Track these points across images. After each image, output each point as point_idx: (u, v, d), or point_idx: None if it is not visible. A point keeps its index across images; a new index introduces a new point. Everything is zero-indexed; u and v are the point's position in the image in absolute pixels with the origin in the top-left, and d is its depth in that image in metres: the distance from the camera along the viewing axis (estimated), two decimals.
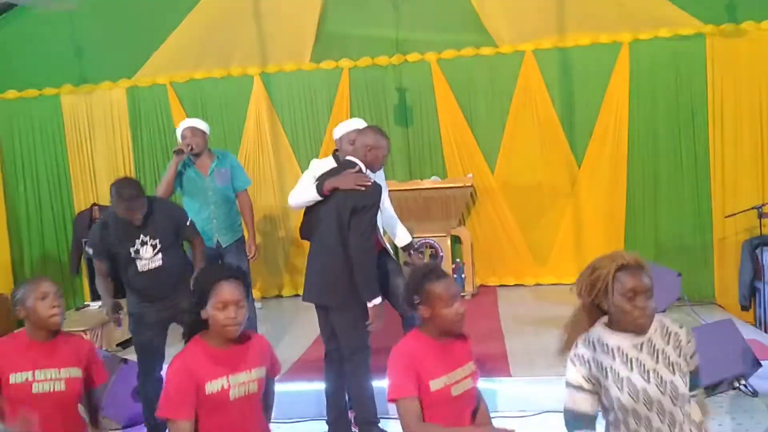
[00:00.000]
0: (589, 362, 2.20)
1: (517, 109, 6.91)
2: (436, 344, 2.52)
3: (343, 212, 3.64)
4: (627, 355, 2.17)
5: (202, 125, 5.08)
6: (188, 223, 4.20)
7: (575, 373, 2.22)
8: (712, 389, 4.05)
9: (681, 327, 2.23)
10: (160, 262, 3.99)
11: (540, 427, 3.91)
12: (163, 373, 2.77)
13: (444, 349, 2.51)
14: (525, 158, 6.92)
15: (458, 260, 6.73)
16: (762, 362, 4.28)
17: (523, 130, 6.91)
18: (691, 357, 2.20)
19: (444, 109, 7.04)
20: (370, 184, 3.67)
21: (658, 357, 2.16)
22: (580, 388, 2.21)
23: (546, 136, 6.87)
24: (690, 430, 2.18)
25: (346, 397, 3.94)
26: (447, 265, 6.55)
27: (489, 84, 6.97)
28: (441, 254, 6.65)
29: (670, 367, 2.15)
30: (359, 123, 4.30)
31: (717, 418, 3.82)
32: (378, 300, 3.68)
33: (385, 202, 4.38)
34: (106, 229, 3.97)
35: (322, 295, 3.82)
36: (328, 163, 4.23)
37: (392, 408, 3.50)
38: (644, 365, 2.16)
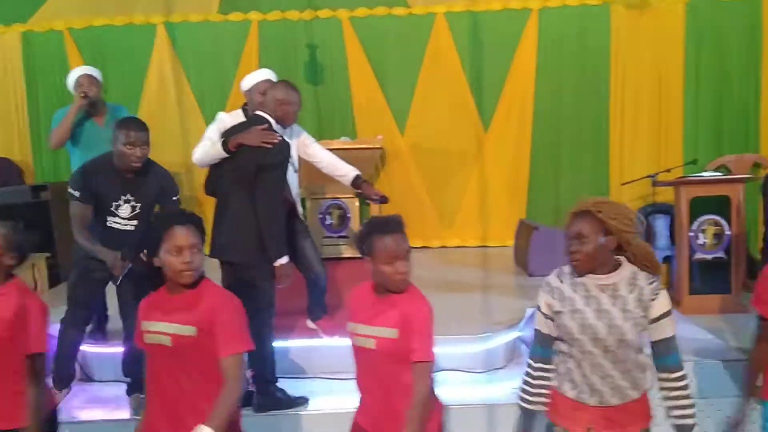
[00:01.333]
0: (554, 290, 2.38)
1: (428, 71, 6.91)
2: (373, 297, 2.50)
3: (249, 169, 3.55)
4: (589, 292, 2.32)
5: (97, 74, 4.81)
6: (175, 198, 3.93)
7: (542, 298, 2.42)
8: None
9: (650, 283, 2.30)
10: (132, 228, 3.78)
11: (438, 384, 3.99)
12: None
13: (376, 303, 2.48)
14: (434, 121, 6.95)
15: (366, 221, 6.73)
16: None
17: (433, 92, 6.93)
18: (652, 317, 2.27)
19: (355, 68, 6.96)
20: (277, 141, 3.59)
21: (616, 302, 2.28)
22: (544, 313, 2.41)
23: (455, 99, 6.92)
24: (631, 371, 2.31)
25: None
26: (354, 227, 6.54)
27: (400, 45, 6.93)
28: (349, 215, 6.64)
29: (624, 314, 2.26)
30: (269, 74, 4.17)
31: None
32: (285, 259, 3.63)
33: (320, 152, 4.38)
34: (93, 174, 3.71)
35: (229, 252, 3.74)
36: (237, 117, 4.10)
37: (293, 367, 3.48)
38: (601, 305, 2.30)
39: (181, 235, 2.37)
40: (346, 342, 2.60)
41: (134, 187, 3.75)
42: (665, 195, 6.37)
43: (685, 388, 2.31)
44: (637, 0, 6.66)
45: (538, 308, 2.43)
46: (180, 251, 2.36)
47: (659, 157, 6.67)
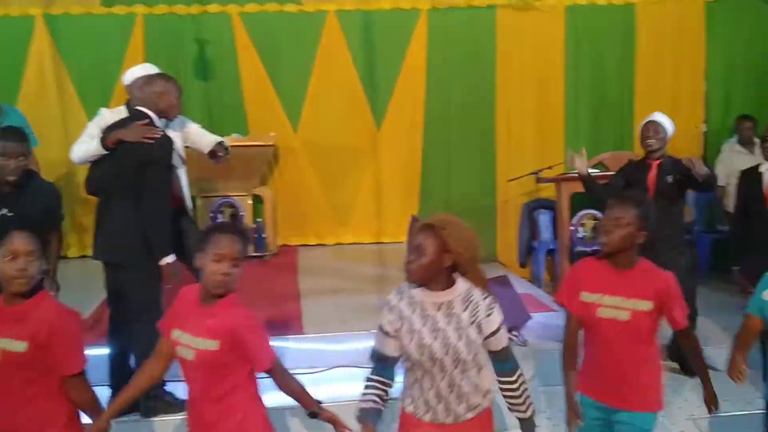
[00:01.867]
0: (393, 310, 2.36)
1: (321, 68, 6.92)
2: (198, 304, 2.39)
3: (130, 166, 3.46)
4: (425, 311, 2.33)
5: None
6: (60, 212, 3.71)
7: (384, 317, 2.38)
8: None
9: (485, 299, 2.32)
10: None
11: (330, 381, 4.04)
12: None
13: (203, 311, 2.37)
14: (328, 118, 6.97)
15: (259, 220, 6.67)
16: (532, 315, 4.72)
17: (326, 90, 6.94)
18: (489, 332, 2.30)
19: (246, 64, 6.87)
20: (158, 136, 3.51)
21: (451, 320, 2.30)
22: (385, 332, 2.37)
23: (348, 97, 6.96)
24: (467, 394, 2.36)
25: (132, 362, 3.78)
26: (248, 224, 6.47)
27: (292, 41, 6.90)
28: (242, 213, 6.56)
29: (458, 333, 2.28)
30: (150, 68, 4.05)
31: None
32: (171, 258, 3.56)
33: (195, 134, 4.23)
34: None
35: (112, 252, 3.63)
36: (119, 113, 3.96)
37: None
38: (437, 324, 2.31)
39: (17, 241, 2.30)
40: None
41: (11, 201, 3.45)
42: (549, 191, 6.68)
43: (519, 388, 2.41)
44: (521, 2, 6.91)
45: (380, 327, 2.40)
46: (14, 258, 2.28)
47: (543, 154, 6.95)
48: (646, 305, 2.55)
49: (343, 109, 6.98)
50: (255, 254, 6.28)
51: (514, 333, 4.50)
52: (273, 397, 2.53)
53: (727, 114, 7.13)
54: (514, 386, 2.40)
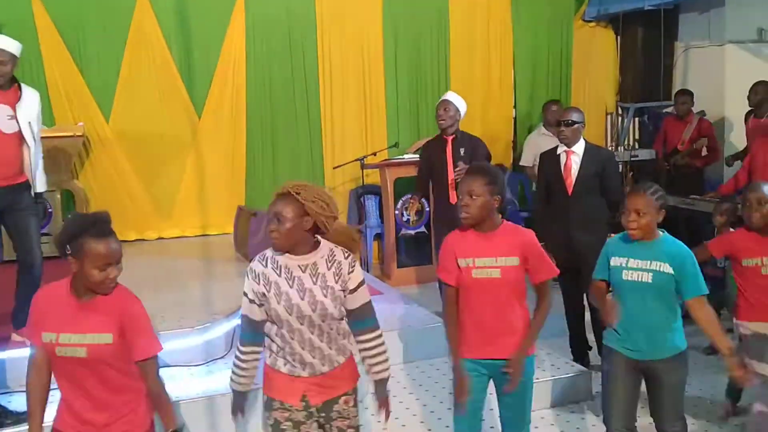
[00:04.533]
0: (259, 276, 2.44)
1: (132, 55, 6.54)
2: (75, 302, 2.33)
3: None
4: (291, 273, 2.42)
5: None
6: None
7: (248, 284, 2.46)
8: None
9: (347, 257, 2.47)
10: None
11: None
12: None
13: (84, 305, 2.33)
14: (143, 106, 6.60)
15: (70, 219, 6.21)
16: None
17: (139, 77, 6.57)
18: (351, 288, 2.44)
19: (49, 50, 6.34)
20: None
21: (317, 279, 2.42)
22: (250, 299, 2.46)
23: (164, 84, 6.65)
24: (338, 339, 2.48)
25: None
26: (56, 223, 5.99)
27: (100, 24, 6.45)
28: (50, 210, 6.05)
29: (325, 290, 2.41)
30: None
31: None
32: None
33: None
34: None
35: None
36: None
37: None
38: (303, 284, 2.41)
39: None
40: None
41: None
42: (374, 177, 6.80)
43: (381, 345, 2.55)
44: None
45: (245, 294, 2.47)
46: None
47: (367, 141, 7.07)
48: (513, 261, 2.72)
49: (159, 97, 6.65)
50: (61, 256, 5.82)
51: None
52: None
53: (534, 99, 7.63)
54: (371, 344, 2.53)
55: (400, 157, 6.37)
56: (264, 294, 2.42)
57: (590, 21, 7.79)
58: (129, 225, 6.77)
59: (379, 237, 6.88)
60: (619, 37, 7.75)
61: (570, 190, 4.27)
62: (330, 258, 2.45)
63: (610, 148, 7.05)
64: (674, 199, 5.52)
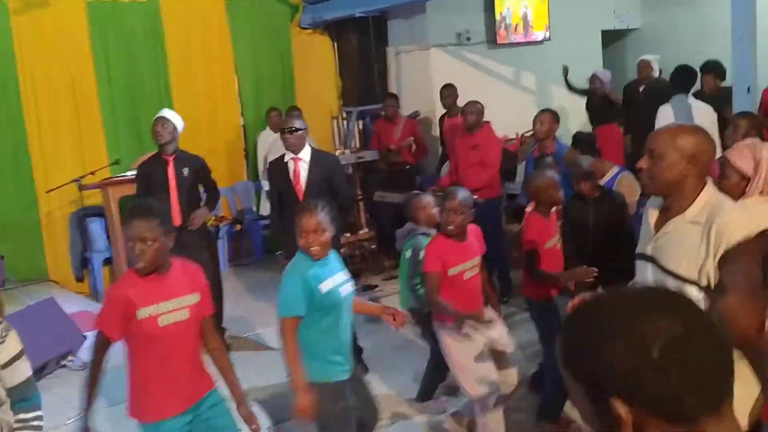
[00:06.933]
0: None
1: None
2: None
3: None
4: None
5: None
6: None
7: None
8: (38, 372, 3.94)
9: None
10: None
11: None
12: None
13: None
14: None
15: None
16: (87, 334, 4.33)
17: None
18: (2, 362, 2.09)
19: None
20: None
21: None
22: None
23: None
24: None
25: None
26: None
27: None
28: None
29: None
30: None
31: (47, 396, 3.72)
32: None
33: None
34: None
35: None
36: None
37: None
38: None
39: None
40: None
41: None
42: (96, 197, 6.27)
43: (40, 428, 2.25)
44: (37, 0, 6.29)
45: None
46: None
47: (84, 160, 6.52)
48: (195, 298, 2.60)
49: None
50: None
51: (70, 358, 4.16)
52: None
53: (260, 106, 7.62)
54: (39, 423, 2.23)
55: (124, 174, 5.96)
56: None
57: (307, 28, 7.95)
58: None
59: (109, 262, 6.38)
60: (336, 44, 8.03)
61: (301, 196, 4.31)
62: None
63: (338, 151, 7.30)
64: (393, 196, 5.85)
